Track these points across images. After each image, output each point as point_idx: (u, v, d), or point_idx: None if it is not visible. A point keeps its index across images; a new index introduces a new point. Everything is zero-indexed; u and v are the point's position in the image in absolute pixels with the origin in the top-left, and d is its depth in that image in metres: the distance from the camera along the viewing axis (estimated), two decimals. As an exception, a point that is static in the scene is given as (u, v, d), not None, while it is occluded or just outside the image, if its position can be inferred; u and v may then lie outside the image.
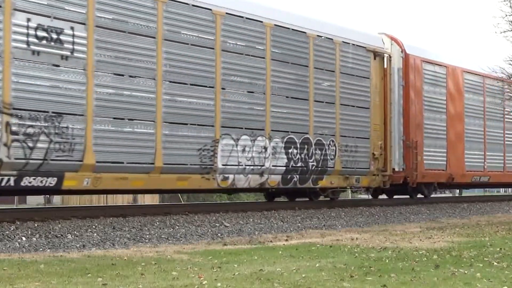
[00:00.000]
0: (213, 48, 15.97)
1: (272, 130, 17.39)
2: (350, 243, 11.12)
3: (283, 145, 17.69)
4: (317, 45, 18.96)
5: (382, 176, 21.43)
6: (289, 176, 17.91)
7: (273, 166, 17.38)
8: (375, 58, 21.19)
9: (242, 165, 16.49)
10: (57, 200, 36.25)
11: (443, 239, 11.88)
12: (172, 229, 13.34)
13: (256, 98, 17.01)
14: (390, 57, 21.98)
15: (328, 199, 20.74)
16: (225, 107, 16.18)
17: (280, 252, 9.83)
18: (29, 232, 11.68)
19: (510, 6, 18.60)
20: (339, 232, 13.71)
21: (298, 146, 18.14)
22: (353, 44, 20.36)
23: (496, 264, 8.49)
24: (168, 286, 6.77)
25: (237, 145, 16.40)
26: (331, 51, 19.48)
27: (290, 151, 17.89)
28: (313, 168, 18.64)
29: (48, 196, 34.38)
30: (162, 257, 9.15)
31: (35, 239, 11.23)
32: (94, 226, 12.73)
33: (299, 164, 18.14)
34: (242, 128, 16.59)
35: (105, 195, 34.20)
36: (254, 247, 10.57)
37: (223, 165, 15.99)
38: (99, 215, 14.15)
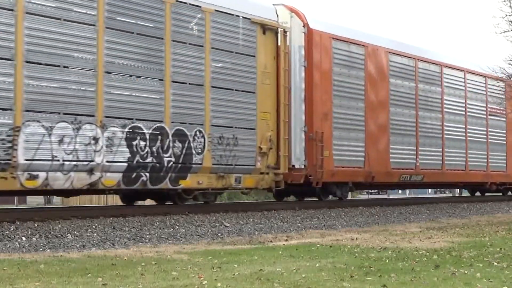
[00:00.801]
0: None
1: (106, 117, 14.01)
2: (350, 243, 11.12)
3: (125, 136, 14.36)
4: (177, 12, 15.48)
5: (274, 175, 17.78)
6: (134, 175, 14.55)
7: (108, 161, 14.05)
8: (264, 33, 17.59)
9: (59, 160, 13.20)
10: (57, 200, 36.23)
11: (443, 239, 11.88)
12: (172, 229, 13.34)
13: (80, 75, 13.58)
14: (285, 32, 18.18)
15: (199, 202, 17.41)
16: (32, 86, 12.88)
17: (280, 252, 9.83)
18: (29, 232, 11.68)
19: (510, 6, 18.64)
20: (339, 232, 13.71)
21: (148, 137, 14.78)
22: (231, 14, 16.79)
23: (496, 264, 8.49)
24: (168, 286, 6.76)
25: (50, 134, 13.06)
26: (199, 21, 15.95)
27: (135, 143, 14.54)
28: (170, 164, 15.24)
29: (48, 196, 34.38)
30: (162, 257, 9.15)
31: (35, 239, 11.23)
32: (94, 226, 12.74)
33: (148, 160, 14.78)
34: (58, 113, 13.24)
35: (105, 195, 34.19)
36: (254, 247, 10.57)
37: (27, 159, 12.75)
38: (99, 215, 14.14)
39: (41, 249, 10.33)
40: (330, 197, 21.28)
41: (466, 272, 7.80)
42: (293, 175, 18.53)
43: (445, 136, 24.41)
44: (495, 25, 20.72)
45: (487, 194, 30.59)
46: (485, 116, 27.09)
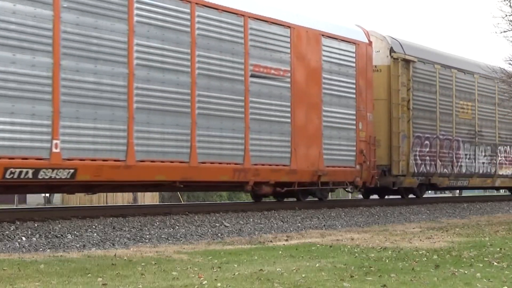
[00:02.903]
0: None
1: None
2: (350, 243, 11.13)
3: None
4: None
5: None
6: None
7: None
8: None
9: None
10: (57, 200, 36.28)
11: (443, 239, 11.89)
12: (172, 229, 13.34)
13: None
14: None
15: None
16: None
17: (280, 252, 9.83)
18: (29, 232, 11.68)
19: (510, 6, 18.64)
20: (339, 232, 13.71)
21: None
22: None
23: (496, 264, 8.49)
24: (168, 286, 6.77)
25: None
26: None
27: None
28: None
29: (48, 196, 34.42)
30: (162, 257, 9.15)
31: (35, 239, 11.23)
32: (94, 226, 12.73)
33: None
34: None
35: (105, 195, 34.26)
36: (254, 247, 10.58)
37: None
38: (99, 215, 14.15)
39: (41, 249, 10.33)
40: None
41: (466, 272, 7.80)
42: None
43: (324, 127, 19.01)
44: (495, 25, 20.74)
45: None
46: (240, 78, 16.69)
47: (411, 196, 24.56)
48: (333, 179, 19.44)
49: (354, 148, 20.01)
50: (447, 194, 44.74)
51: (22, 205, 33.71)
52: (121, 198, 34.79)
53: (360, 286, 6.84)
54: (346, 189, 21.05)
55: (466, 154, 25.69)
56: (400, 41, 22.91)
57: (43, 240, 11.17)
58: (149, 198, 35.44)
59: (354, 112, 20.10)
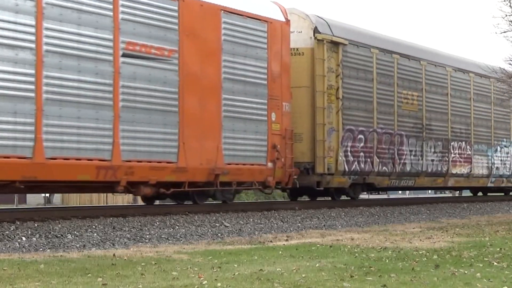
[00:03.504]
0: None
1: None
2: (350, 243, 11.12)
3: None
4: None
5: None
6: None
7: None
8: None
9: None
10: (57, 200, 36.29)
11: (443, 239, 11.89)
12: (172, 229, 13.34)
13: None
14: None
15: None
16: None
17: (280, 252, 9.83)
18: (29, 232, 11.68)
19: (510, 6, 18.64)
20: (339, 232, 13.71)
21: None
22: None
23: (496, 264, 8.49)
24: (168, 286, 6.76)
25: None
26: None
27: None
28: None
29: (48, 196, 34.42)
30: (162, 257, 9.15)
31: (35, 239, 11.23)
32: (94, 226, 12.73)
33: None
34: None
35: (105, 195, 34.25)
36: (254, 247, 10.57)
37: None
38: (99, 215, 14.14)
39: (41, 249, 10.33)
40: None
41: (466, 272, 7.80)
42: None
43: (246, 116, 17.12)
44: (495, 25, 20.72)
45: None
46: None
47: (345, 198, 21.66)
48: (237, 179, 16.57)
49: (265, 143, 17.20)
50: (447, 194, 44.75)
51: (22, 205, 33.72)
52: (121, 198, 34.78)
53: (360, 286, 6.83)
54: (263, 190, 18.02)
55: (411, 151, 22.70)
56: (327, 20, 20.04)
57: (43, 240, 11.17)
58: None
59: (266, 101, 17.26)
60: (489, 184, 27.83)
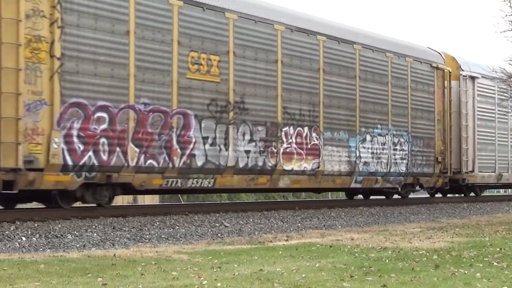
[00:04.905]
0: None
1: None
2: (350, 243, 11.13)
3: None
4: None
5: None
6: None
7: None
8: None
9: None
10: (57, 200, 36.23)
11: (443, 239, 11.89)
12: (172, 229, 13.34)
13: None
14: None
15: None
16: None
17: (280, 252, 9.83)
18: (29, 232, 11.68)
19: (510, 6, 18.66)
20: (339, 232, 13.71)
21: None
22: None
23: (496, 264, 8.49)
24: (168, 286, 6.77)
25: None
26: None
27: None
28: None
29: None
30: (162, 257, 9.16)
31: (35, 239, 11.24)
32: (94, 226, 12.74)
33: None
34: None
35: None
36: (254, 247, 10.58)
37: None
38: (99, 215, 14.15)
39: (41, 249, 10.34)
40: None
41: (466, 272, 7.80)
42: None
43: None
44: (495, 25, 20.74)
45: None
46: None
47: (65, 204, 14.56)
48: None
49: None
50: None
51: (22, 205, 33.65)
52: (121, 198, 34.76)
53: (360, 286, 6.84)
54: None
55: (206, 138, 16.09)
56: None
57: (43, 240, 11.18)
58: (149, 198, 35.41)
59: None
60: (354, 185, 20.61)
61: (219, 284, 6.83)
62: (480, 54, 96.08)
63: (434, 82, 24.09)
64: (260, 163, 17.34)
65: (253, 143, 17.24)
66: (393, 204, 22.10)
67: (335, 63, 19.81)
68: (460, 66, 25.93)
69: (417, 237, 12.36)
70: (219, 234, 12.90)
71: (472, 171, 26.22)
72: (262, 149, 17.45)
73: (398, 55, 22.34)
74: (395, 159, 22.08)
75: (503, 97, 23.31)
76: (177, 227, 13.62)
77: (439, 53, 25.35)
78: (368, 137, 21.00)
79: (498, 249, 10.18)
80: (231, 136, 16.71)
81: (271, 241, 11.57)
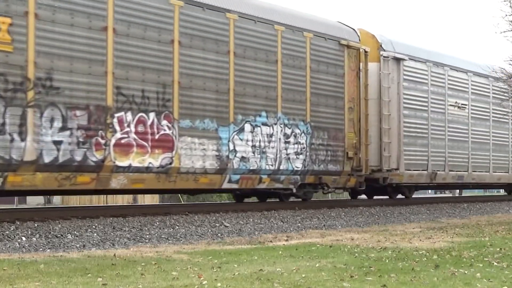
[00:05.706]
0: None
1: None
2: (350, 243, 11.12)
3: None
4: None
5: None
6: None
7: None
8: None
9: None
10: (57, 200, 36.30)
11: (443, 239, 11.89)
12: (172, 229, 13.34)
13: None
14: None
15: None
16: None
17: (280, 252, 9.83)
18: (29, 232, 11.69)
19: (510, 6, 18.66)
20: (339, 232, 13.71)
21: None
22: None
23: (496, 264, 8.49)
24: (168, 286, 6.77)
25: None
26: None
27: None
28: None
29: (48, 196, 34.44)
30: (162, 257, 9.16)
31: (35, 239, 11.24)
32: (94, 226, 12.74)
33: None
34: None
35: (105, 195, 34.27)
36: (254, 247, 10.58)
37: None
38: (99, 215, 14.15)
39: (41, 249, 10.34)
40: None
41: (466, 272, 7.80)
42: None
43: None
44: (495, 25, 20.72)
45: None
46: None
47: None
48: None
49: None
50: (447, 194, 44.71)
51: (22, 205, 33.74)
52: (121, 198, 34.79)
53: (360, 286, 6.84)
54: None
55: None
56: None
57: (43, 240, 11.18)
58: (149, 198, 35.44)
59: None
60: (227, 185, 16.88)
61: (219, 284, 6.83)
62: (480, 54, 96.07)
63: (344, 63, 19.93)
64: (78, 158, 13.51)
65: (67, 132, 13.40)
66: (393, 204, 22.10)
67: (200, 35, 15.89)
68: (381, 46, 22.12)
69: (417, 237, 12.36)
70: (219, 234, 12.90)
71: (397, 169, 22.23)
72: (81, 139, 13.61)
73: (292, 28, 18.34)
74: (287, 154, 18.15)
75: (504, 97, 23.28)
76: (177, 227, 13.62)
77: (353, 29, 20.96)
78: (248, 127, 17.13)
79: (498, 249, 10.18)
80: (30, 122, 12.82)
81: (271, 241, 11.57)
